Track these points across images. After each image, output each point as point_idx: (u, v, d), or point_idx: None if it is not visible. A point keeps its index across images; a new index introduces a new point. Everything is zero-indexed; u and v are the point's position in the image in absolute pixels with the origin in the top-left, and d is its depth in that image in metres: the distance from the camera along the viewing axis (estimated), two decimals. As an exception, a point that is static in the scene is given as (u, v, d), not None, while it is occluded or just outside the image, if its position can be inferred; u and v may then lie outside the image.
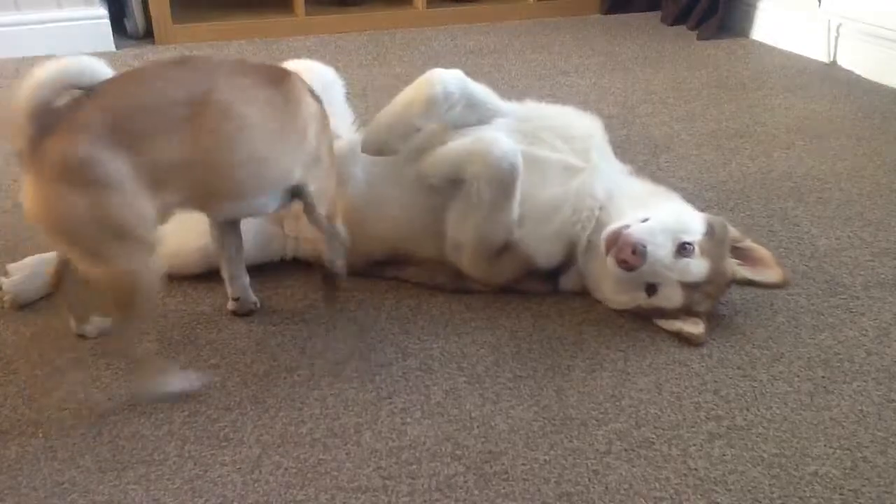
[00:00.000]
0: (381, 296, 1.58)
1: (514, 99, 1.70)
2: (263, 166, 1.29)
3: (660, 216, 1.45)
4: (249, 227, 1.54)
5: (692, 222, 1.47)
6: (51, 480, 1.16)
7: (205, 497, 1.13)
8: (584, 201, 1.52)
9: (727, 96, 2.70)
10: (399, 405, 1.31)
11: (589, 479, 1.16)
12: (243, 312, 1.53)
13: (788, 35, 3.20)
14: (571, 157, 1.56)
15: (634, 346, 1.45)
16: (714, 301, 1.49)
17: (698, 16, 3.45)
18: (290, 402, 1.31)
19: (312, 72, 1.68)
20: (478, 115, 1.59)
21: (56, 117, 1.16)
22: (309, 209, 1.40)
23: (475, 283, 1.58)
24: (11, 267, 1.55)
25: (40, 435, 1.24)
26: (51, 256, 1.59)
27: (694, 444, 1.22)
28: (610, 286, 1.49)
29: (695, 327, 1.45)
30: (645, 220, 1.44)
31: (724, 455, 1.20)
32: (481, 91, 1.61)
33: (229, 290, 1.51)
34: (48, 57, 1.22)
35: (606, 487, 1.15)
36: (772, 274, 1.48)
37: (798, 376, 1.37)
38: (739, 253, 1.51)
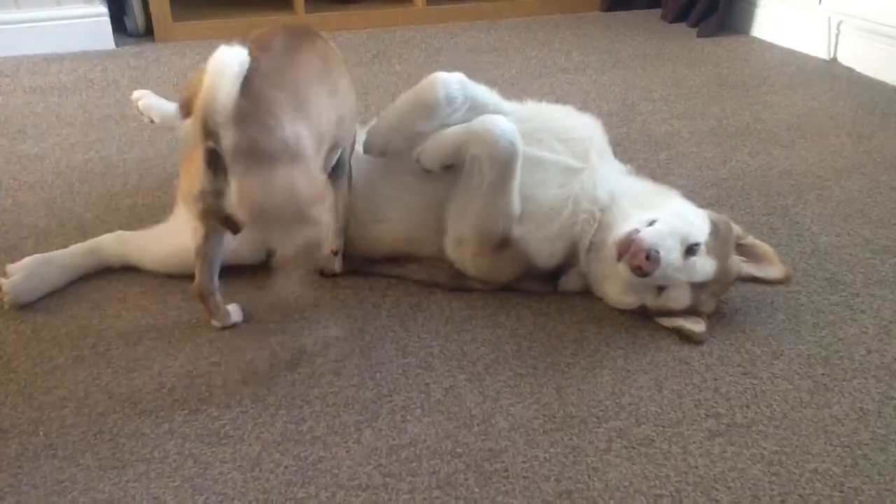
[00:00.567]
0: (381, 294, 1.58)
1: (514, 98, 1.70)
2: (352, 116, 1.48)
3: (667, 218, 1.45)
4: None
5: (697, 221, 1.47)
6: (51, 478, 1.16)
7: (205, 495, 1.13)
8: (583, 203, 1.52)
9: (727, 94, 2.69)
10: (399, 403, 1.31)
11: (589, 477, 1.16)
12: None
13: (789, 32, 3.20)
14: (570, 158, 1.56)
15: (635, 343, 1.45)
16: (718, 298, 1.49)
17: (699, 13, 3.44)
18: (290, 400, 1.31)
19: None
20: (479, 115, 1.58)
21: (248, 106, 1.19)
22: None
23: (475, 282, 1.58)
24: (11, 267, 1.55)
25: (41, 433, 1.24)
26: (50, 256, 1.59)
27: (694, 442, 1.22)
28: (616, 287, 1.49)
29: (696, 325, 1.45)
30: (652, 223, 1.44)
31: (724, 452, 1.20)
32: (483, 93, 1.61)
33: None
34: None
35: (606, 485, 1.15)
36: (774, 270, 1.49)
37: (798, 374, 1.37)
38: (742, 250, 1.52)
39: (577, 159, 1.56)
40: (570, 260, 1.55)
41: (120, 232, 1.68)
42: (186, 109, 1.27)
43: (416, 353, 1.43)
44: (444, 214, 1.56)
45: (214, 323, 1.47)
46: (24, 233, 1.79)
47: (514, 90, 2.62)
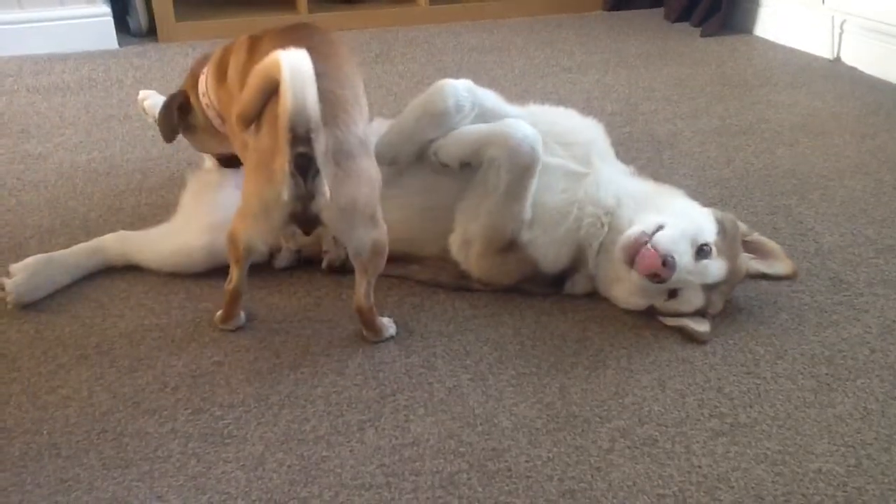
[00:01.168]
0: (384, 294, 1.57)
1: (517, 98, 1.70)
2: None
3: (675, 221, 1.45)
4: None
5: (705, 221, 1.48)
6: (55, 477, 1.16)
7: (208, 494, 1.14)
8: (588, 208, 1.52)
9: (731, 93, 2.69)
10: (402, 402, 1.31)
11: (592, 477, 1.16)
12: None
13: (792, 31, 3.19)
14: (572, 163, 1.57)
15: (638, 343, 1.45)
16: (726, 298, 1.49)
17: (702, 12, 3.44)
18: (293, 400, 1.31)
19: None
20: (484, 121, 1.59)
21: (325, 107, 1.22)
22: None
23: (477, 283, 1.58)
24: (14, 267, 1.56)
25: (44, 432, 1.25)
26: (54, 256, 1.60)
27: (697, 442, 1.22)
28: (625, 290, 1.49)
29: (700, 325, 1.45)
30: (660, 227, 1.44)
31: (727, 452, 1.20)
32: (490, 98, 1.62)
33: None
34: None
35: (610, 485, 1.15)
36: (782, 266, 1.51)
37: (801, 374, 1.37)
38: (749, 247, 1.52)
39: (580, 164, 1.57)
40: (575, 264, 1.55)
41: (123, 231, 1.69)
42: (247, 121, 1.29)
43: (419, 352, 1.43)
44: (451, 214, 1.56)
45: (223, 326, 1.48)
46: (27, 232, 1.79)
47: (517, 90, 2.63)
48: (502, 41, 3.29)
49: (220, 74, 1.50)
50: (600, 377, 1.36)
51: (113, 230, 1.70)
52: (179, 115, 1.60)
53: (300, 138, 1.19)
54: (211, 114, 1.55)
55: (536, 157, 1.48)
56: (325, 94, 1.23)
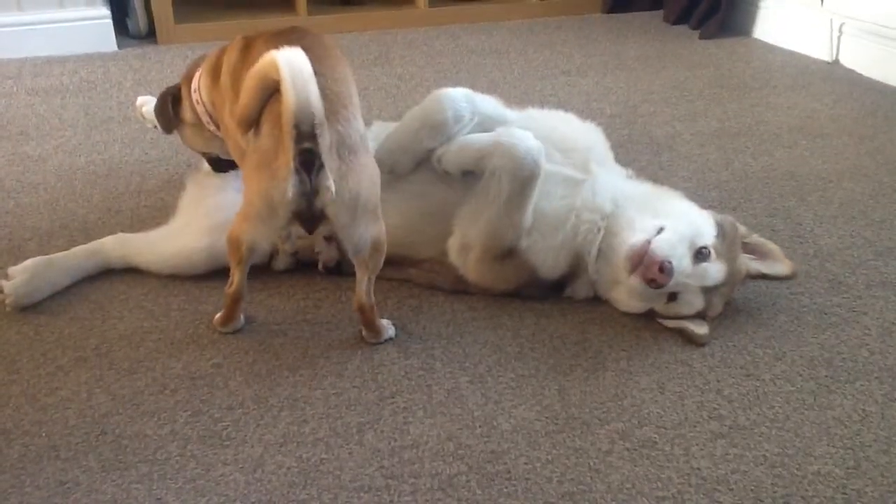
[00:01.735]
0: (383, 296, 1.57)
1: (516, 101, 1.70)
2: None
3: (674, 224, 1.45)
4: None
5: (704, 224, 1.48)
6: (54, 480, 1.16)
7: (207, 496, 1.14)
8: (585, 214, 1.52)
9: (729, 95, 2.69)
10: (401, 404, 1.31)
11: (591, 479, 1.16)
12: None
13: (791, 34, 3.20)
14: (570, 169, 1.57)
15: (637, 345, 1.45)
16: (726, 299, 1.49)
17: (700, 15, 3.44)
18: (292, 402, 1.31)
19: None
20: (484, 127, 1.59)
21: (326, 104, 1.25)
22: None
23: (475, 287, 1.58)
24: (12, 270, 1.55)
25: (44, 434, 1.24)
26: (53, 258, 1.60)
27: (696, 444, 1.22)
28: (625, 294, 1.49)
29: (699, 327, 1.45)
30: (660, 230, 1.44)
31: (726, 454, 1.20)
32: (489, 105, 1.62)
33: None
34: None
35: (609, 487, 1.15)
36: (781, 267, 1.51)
37: (801, 376, 1.37)
38: (748, 248, 1.53)
39: (578, 170, 1.57)
40: (574, 270, 1.55)
41: (122, 234, 1.69)
42: (247, 124, 1.30)
43: (417, 354, 1.43)
44: (449, 218, 1.56)
45: (223, 328, 1.48)
46: (26, 234, 1.79)
47: (516, 92, 2.63)
48: (501, 43, 3.29)
49: (214, 76, 1.51)
50: (599, 379, 1.37)
51: (112, 232, 1.70)
52: (172, 107, 1.61)
53: (304, 134, 1.21)
54: (200, 110, 1.56)
55: (539, 169, 1.48)
56: (324, 92, 1.25)
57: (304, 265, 1.66)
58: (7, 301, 1.53)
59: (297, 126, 1.20)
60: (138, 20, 3.33)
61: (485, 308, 1.56)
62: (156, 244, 1.65)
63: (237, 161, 1.49)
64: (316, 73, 1.23)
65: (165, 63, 3.02)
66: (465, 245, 1.54)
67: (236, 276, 1.41)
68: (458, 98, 1.57)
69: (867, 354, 1.41)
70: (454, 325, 1.51)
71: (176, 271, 1.62)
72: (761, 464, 1.18)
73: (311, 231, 1.32)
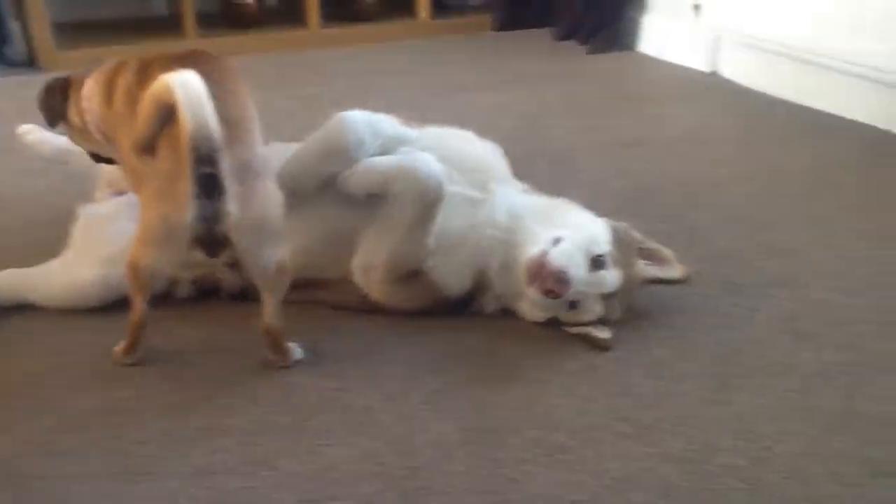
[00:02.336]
0: (294, 319, 1.55)
1: (415, 120, 1.72)
2: None
3: (571, 234, 1.49)
4: None
5: (600, 233, 1.52)
6: (-51, 532, 1.10)
7: (119, 536, 1.10)
8: (486, 231, 1.55)
9: (620, 107, 2.80)
10: (316, 427, 1.30)
11: (508, 488, 1.18)
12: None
13: (672, 47, 3.35)
14: (470, 189, 1.59)
15: (546, 354, 1.48)
16: (625, 305, 1.54)
17: (587, 31, 3.56)
18: (205, 432, 1.28)
19: None
20: (386, 148, 1.60)
21: (225, 128, 1.23)
22: None
23: (383, 306, 1.58)
24: None
25: (-66, 485, 1.17)
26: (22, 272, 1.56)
27: (607, 446, 1.26)
28: (529, 305, 1.52)
29: (602, 332, 1.49)
30: (557, 241, 1.48)
31: (636, 454, 1.24)
32: (389, 126, 1.63)
33: None
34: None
35: (525, 494, 1.16)
36: (675, 271, 1.57)
37: (702, 374, 1.42)
38: (644, 254, 1.58)
39: (478, 189, 1.59)
40: (479, 286, 1.57)
41: (12, 269, 1.61)
42: (144, 148, 1.27)
43: (331, 375, 1.42)
44: (354, 238, 1.56)
45: (124, 360, 1.43)
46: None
47: (414, 110, 2.64)
48: (397, 63, 3.32)
49: (107, 93, 1.47)
50: (512, 389, 1.39)
51: (2, 268, 1.62)
52: (60, 100, 1.56)
53: (204, 158, 1.19)
54: (89, 118, 1.52)
55: (442, 193, 1.50)
56: (223, 116, 1.23)
57: (207, 292, 1.63)
58: None
59: (195, 150, 1.19)
60: (17, 47, 3.20)
61: (396, 326, 1.56)
62: (48, 278, 1.58)
63: (132, 186, 1.45)
64: (214, 96, 1.21)
65: (50, 90, 2.90)
66: (369, 266, 1.55)
67: (138, 304, 1.37)
68: (359, 122, 1.57)
69: (761, 350, 1.49)
70: (366, 344, 1.51)
71: (70, 305, 1.57)
72: (669, 460, 1.22)
73: (213, 256, 1.30)
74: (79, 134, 1.59)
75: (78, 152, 1.70)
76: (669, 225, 1.95)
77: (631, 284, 1.53)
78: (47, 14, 3.29)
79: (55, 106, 1.57)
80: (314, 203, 1.59)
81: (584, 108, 2.79)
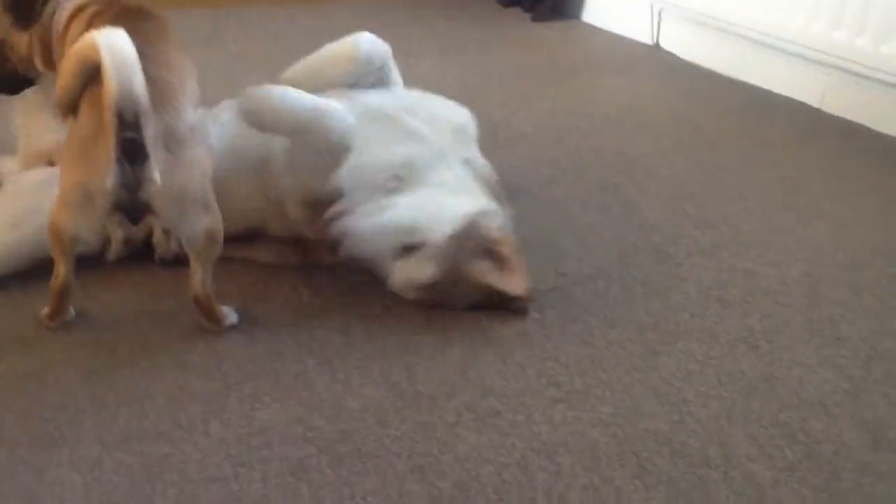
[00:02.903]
0: (225, 282, 1.53)
1: None
2: None
3: (400, 211, 1.46)
4: None
5: (437, 223, 1.44)
6: None
7: (42, 501, 1.08)
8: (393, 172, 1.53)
9: (561, 77, 2.80)
10: (248, 392, 1.29)
11: (439, 451, 1.19)
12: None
13: (615, 18, 3.36)
14: (430, 132, 1.59)
15: (480, 322, 1.49)
16: (463, 299, 1.48)
17: (533, -1, 3.55)
18: (131, 397, 1.26)
19: None
20: (376, 80, 1.63)
21: (153, 91, 1.20)
22: None
23: (323, 255, 1.56)
24: None
25: None
26: None
27: (537, 410, 1.28)
28: None
29: (508, 283, 1.46)
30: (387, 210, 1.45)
31: (565, 418, 1.26)
32: (395, 72, 1.67)
33: None
34: None
35: (456, 457, 1.18)
36: (513, 286, 1.46)
37: (631, 340, 1.46)
38: (496, 256, 1.47)
39: (433, 133, 1.59)
40: None
41: None
42: (67, 107, 1.23)
43: (263, 340, 1.41)
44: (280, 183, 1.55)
45: (50, 323, 1.39)
46: None
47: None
48: (339, 24, 3.24)
49: (65, 31, 1.42)
50: (445, 355, 1.40)
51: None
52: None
53: (127, 123, 1.15)
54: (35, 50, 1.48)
55: (349, 150, 1.48)
56: (153, 79, 1.20)
57: (138, 254, 1.60)
58: None
59: (119, 114, 1.15)
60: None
61: (331, 292, 1.56)
62: None
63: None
64: (145, 57, 1.18)
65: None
66: (295, 202, 1.54)
67: (62, 268, 1.34)
68: (379, 44, 1.63)
69: (688, 318, 1.52)
70: (301, 310, 1.50)
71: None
72: (597, 425, 1.25)
73: (135, 222, 1.28)
74: (32, 45, 1.50)
75: None
76: (605, 195, 1.98)
77: (455, 280, 1.45)
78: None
79: (34, 6, 1.46)
80: (246, 152, 1.57)
81: (525, 76, 2.79)
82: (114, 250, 1.58)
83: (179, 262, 1.53)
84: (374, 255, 1.43)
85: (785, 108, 2.58)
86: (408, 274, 1.45)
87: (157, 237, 1.55)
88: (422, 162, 1.54)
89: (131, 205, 1.22)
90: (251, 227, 1.58)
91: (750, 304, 1.56)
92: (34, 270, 1.49)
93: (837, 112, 2.51)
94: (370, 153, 1.52)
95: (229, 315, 1.43)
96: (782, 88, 2.67)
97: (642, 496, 1.13)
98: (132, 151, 1.18)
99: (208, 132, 1.43)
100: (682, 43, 3.07)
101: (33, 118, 1.67)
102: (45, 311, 1.39)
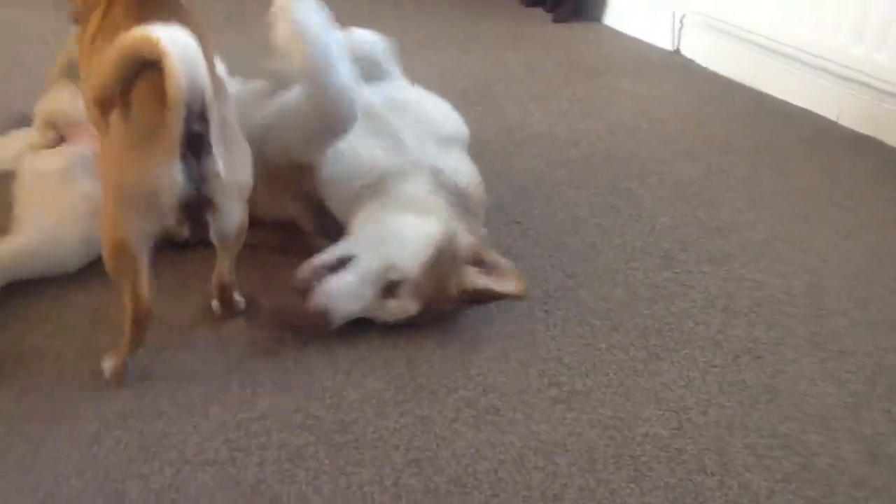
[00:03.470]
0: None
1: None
2: None
3: (370, 255, 1.40)
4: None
5: (410, 253, 1.40)
6: None
7: (37, 473, 1.08)
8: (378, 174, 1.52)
9: (578, 78, 2.79)
10: (249, 377, 1.29)
11: (437, 446, 1.19)
12: None
13: (637, 22, 3.35)
14: (410, 138, 1.58)
15: (484, 316, 1.49)
16: (459, 307, 1.47)
17: (554, -2, 3.54)
18: (133, 376, 1.27)
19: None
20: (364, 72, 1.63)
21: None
22: None
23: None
24: None
25: None
26: None
27: (537, 410, 1.28)
28: None
29: (507, 285, 1.44)
30: (345, 260, 1.39)
31: (564, 419, 1.26)
32: (394, 67, 1.71)
33: None
34: None
35: (453, 452, 1.18)
36: (510, 286, 1.44)
37: (633, 345, 1.45)
38: (482, 263, 1.46)
39: (415, 143, 1.58)
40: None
41: None
42: (108, 103, 1.15)
43: (267, 326, 1.41)
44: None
45: (121, 375, 1.27)
46: None
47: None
48: (361, 11, 3.25)
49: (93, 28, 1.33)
50: (447, 349, 1.40)
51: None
52: None
53: (193, 115, 1.11)
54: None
55: (348, 132, 1.48)
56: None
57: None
58: None
59: (188, 106, 1.09)
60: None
61: (336, 280, 1.56)
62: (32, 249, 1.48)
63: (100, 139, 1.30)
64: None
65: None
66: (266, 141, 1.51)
67: (138, 289, 1.20)
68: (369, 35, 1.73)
69: (692, 325, 1.52)
70: (305, 296, 1.51)
71: (49, 271, 1.48)
72: (596, 426, 1.25)
73: (196, 220, 1.22)
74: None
75: None
76: (617, 197, 1.97)
77: (440, 300, 1.43)
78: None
79: None
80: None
81: (544, 75, 2.78)
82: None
83: (187, 244, 1.54)
84: (362, 308, 1.39)
85: (801, 119, 2.57)
86: (398, 313, 1.41)
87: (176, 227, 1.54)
88: (393, 171, 1.52)
89: (196, 201, 1.18)
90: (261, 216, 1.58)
91: (756, 314, 1.56)
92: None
93: (853, 125, 2.49)
94: (351, 152, 1.52)
95: (239, 302, 1.44)
96: (800, 100, 2.65)
97: (637, 500, 1.13)
98: (197, 145, 1.13)
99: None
100: (702, 50, 3.06)
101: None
102: (115, 362, 1.26)
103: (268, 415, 1.22)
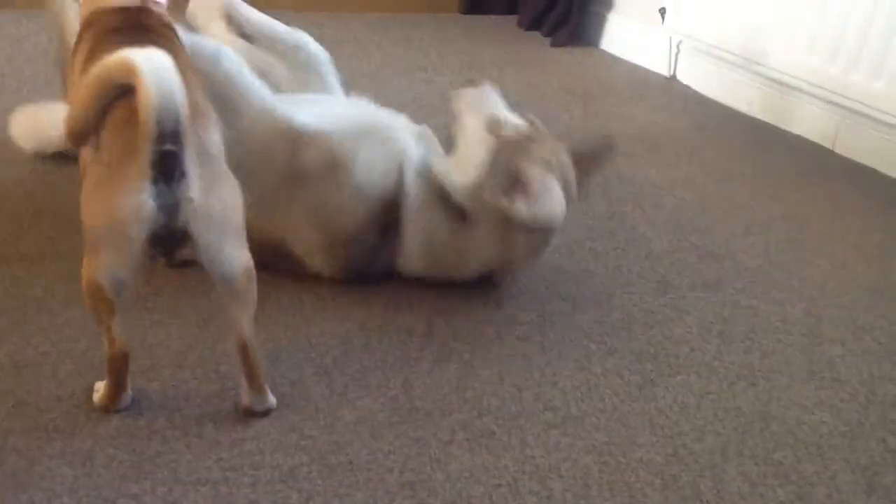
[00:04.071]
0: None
1: (374, 96, 1.74)
2: None
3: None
4: None
5: (472, 158, 1.62)
6: None
7: (30, 491, 1.08)
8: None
9: (576, 102, 2.82)
10: (244, 396, 1.29)
11: (431, 468, 1.19)
12: None
13: (634, 48, 3.38)
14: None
15: (480, 338, 1.50)
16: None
17: (552, 23, 3.58)
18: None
19: None
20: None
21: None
22: None
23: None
24: None
25: None
26: None
27: (532, 434, 1.28)
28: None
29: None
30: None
31: (559, 443, 1.26)
32: (335, 81, 1.71)
33: None
34: None
35: (448, 475, 1.18)
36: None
37: (629, 370, 1.45)
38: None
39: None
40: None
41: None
42: (82, 137, 1.09)
43: (262, 345, 1.40)
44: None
45: (113, 406, 1.23)
46: None
47: (372, 84, 2.64)
48: (360, 35, 3.29)
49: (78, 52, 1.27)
50: (443, 371, 1.40)
51: None
52: None
53: (166, 134, 1.03)
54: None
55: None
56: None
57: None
58: None
59: (159, 124, 1.02)
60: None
61: (332, 299, 1.56)
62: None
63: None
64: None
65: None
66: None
67: (114, 334, 1.15)
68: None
69: (688, 350, 1.52)
70: (301, 315, 1.51)
71: None
72: (590, 452, 1.25)
73: (170, 254, 1.13)
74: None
75: None
76: (611, 222, 1.98)
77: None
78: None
79: None
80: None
81: (540, 99, 2.80)
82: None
83: (185, 265, 1.54)
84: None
85: (796, 147, 2.59)
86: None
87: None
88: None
89: (169, 231, 1.08)
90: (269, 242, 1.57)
91: (751, 340, 1.56)
92: (33, 257, 1.50)
93: (849, 154, 2.52)
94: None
95: (270, 396, 1.26)
96: (795, 127, 2.68)
97: (631, 527, 1.12)
98: (169, 167, 1.05)
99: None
100: (699, 76, 3.09)
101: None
102: (101, 394, 1.23)
103: (262, 435, 1.22)
